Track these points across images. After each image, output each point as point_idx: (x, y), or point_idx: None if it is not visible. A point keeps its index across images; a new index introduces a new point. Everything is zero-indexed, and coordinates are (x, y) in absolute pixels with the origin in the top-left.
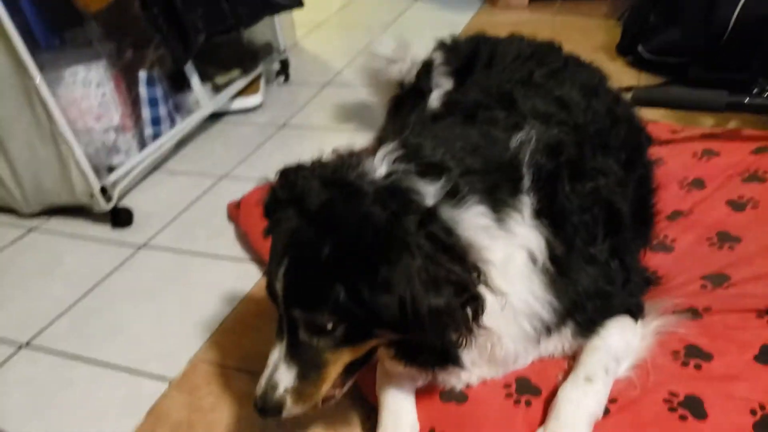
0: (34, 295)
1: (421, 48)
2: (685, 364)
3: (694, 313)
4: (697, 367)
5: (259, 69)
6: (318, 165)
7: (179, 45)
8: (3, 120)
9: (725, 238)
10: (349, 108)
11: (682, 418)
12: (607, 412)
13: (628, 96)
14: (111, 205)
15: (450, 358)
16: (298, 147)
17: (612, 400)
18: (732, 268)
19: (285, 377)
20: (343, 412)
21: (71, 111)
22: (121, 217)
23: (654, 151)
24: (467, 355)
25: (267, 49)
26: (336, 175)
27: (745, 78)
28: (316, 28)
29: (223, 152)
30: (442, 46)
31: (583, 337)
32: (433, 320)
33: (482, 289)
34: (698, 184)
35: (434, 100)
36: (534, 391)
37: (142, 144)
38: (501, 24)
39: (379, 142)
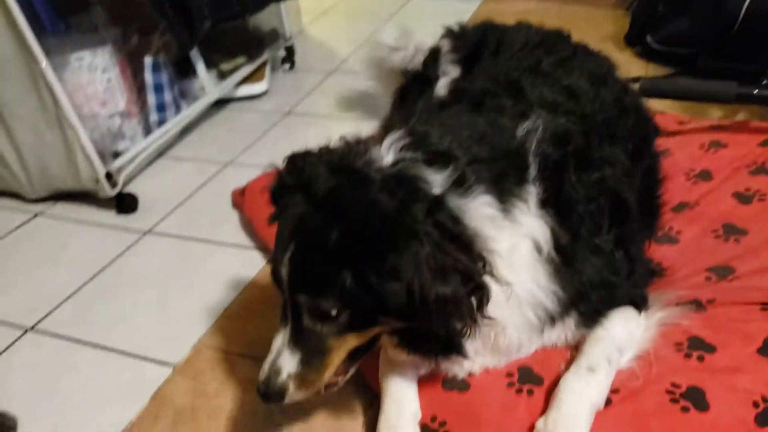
0: (39, 280)
1: (425, 36)
2: (688, 355)
3: (698, 305)
4: (700, 358)
5: (265, 56)
6: (325, 152)
7: (185, 31)
8: (9, 104)
9: (731, 231)
10: (355, 96)
11: (684, 409)
12: (608, 402)
13: (635, 86)
14: (116, 190)
15: (453, 347)
16: (303, 134)
17: (614, 391)
18: (737, 260)
19: (288, 363)
20: (345, 399)
21: (77, 96)
22: (126, 203)
23: (661, 142)
24: (470, 344)
25: (273, 36)
26: (343, 162)
27: (754, 69)
28: (322, 15)
29: (228, 139)
30: (449, 33)
31: (587, 327)
32: (440, 308)
33: (488, 279)
34: (705, 175)
35: (441, 87)
36: (536, 381)
37: (148, 130)
38: (508, 12)
39: (385, 130)
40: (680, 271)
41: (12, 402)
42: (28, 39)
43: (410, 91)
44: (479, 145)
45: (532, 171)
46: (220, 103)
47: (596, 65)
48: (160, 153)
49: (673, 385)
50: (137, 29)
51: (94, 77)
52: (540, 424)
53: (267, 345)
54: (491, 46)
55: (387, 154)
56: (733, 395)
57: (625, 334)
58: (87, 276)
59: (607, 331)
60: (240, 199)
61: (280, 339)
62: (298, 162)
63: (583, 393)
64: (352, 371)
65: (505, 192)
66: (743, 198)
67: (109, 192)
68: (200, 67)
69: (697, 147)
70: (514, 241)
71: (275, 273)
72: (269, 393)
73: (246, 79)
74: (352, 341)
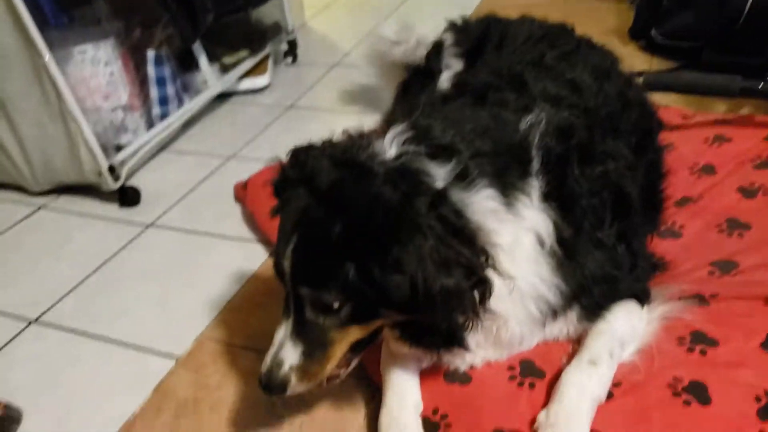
0: (42, 273)
1: (427, 29)
2: (690, 350)
3: (701, 299)
4: (703, 353)
5: (267, 49)
6: (328, 145)
7: (188, 24)
8: (12, 98)
9: (735, 225)
10: (357, 89)
11: (686, 403)
12: (610, 395)
13: (639, 80)
14: (119, 184)
15: (455, 340)
16: (305, 128)
17: (616, 384)
18: (741, 255)
19: (290, 355)
20: (347, 391)
21: (80, 89)
22: (128, 197)
23: (665, 137)
24: (472, 337)
25: (275, 30)
26: (346, 156)
27: (759, 63)
28: (325, 8)
29: (230, 133)
30: (452, 27)
31: (589, 321)
32: (443, 301)
33: (490, 273)
34: (709, 170)
35: (444, 81)
36: (538, 374)
37: (150, 123)
38: (511, 6)
39: (388, 123)
40: (683, 266)
41: (16, 394)
42: (32, 32)
43: (413, 85)
44: (482, 139)
45: (535, 165)
46: (223, 97)
47: (600, 59)
48: (163, 146)
49: (675, 379)
50: (140, 22)
51: (96, 70)
52: (541, 417)
53: (269, 338)
54: (494, 40)
55: (390, 148)
56: (735, 389)
57: (627, 328)
58: (90, 269)
59: (609, 325)
60: (242, 192)
61: (283, 331)
62: (300, 155)
63: (584, 386)
64: (354, 364)
65: (507, 186)
66: (748, 192)
67: (112, 185)
68: (203, 60)
69: (701, 141)
70: (517, 235)
71: (278, 265)
72: (271, 385)
73: (248, 73)
74: (354, 334)
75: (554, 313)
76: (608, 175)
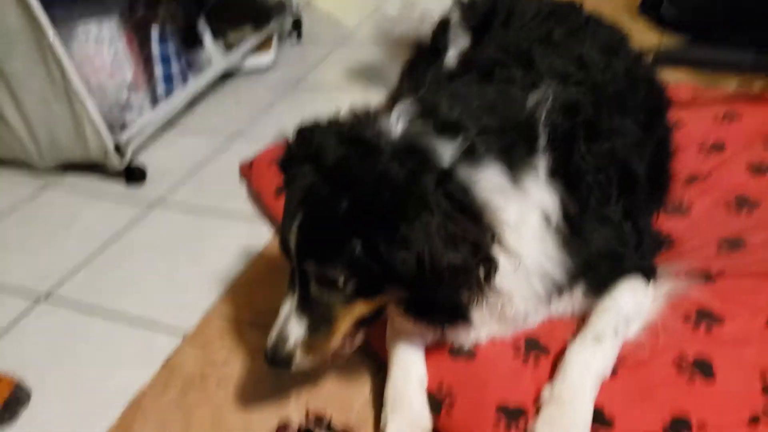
0: (51, 250)
1: (432, 4)
2: (696, 327)
3: (707, 276)
4: (708, 330)
5: (272, 27)
6: (334, 123)
7: (192, 1)
8: (18, 76)
9: (743, 203)
10: (362, 67)
11: (691, 380)
12: (615, 372)
13: (649, 56)
14: (125, 162)
15: (460, 316)
16: (310, 106)
17: (620, 361)
18: (748, 232)
19: (295, 330)
20: (353, 367)
21: (84, 68)
22: (134, 175)
23: (674, 113)
24: (477, 314)
25: (280, 7)
26: (352, 133)
27: None
28: None
29: (235, 111)
30: (459, 3)
31: (594, 298)
32: (450, 277)
33: (496, 250)
34: (718, 147)
35: (451, 58)
36: (542, 350)
37: (155, 101)
38: None
39: (394, 101)
40: (690, 243)
41: (26, 368)
42: (36, 10)
43: (419, 62)
44: (489, 116)
45: (542, 141)
46: (227, 75)
47: (608, 36)
48: (168, 125)
49: (681, 356)
50: None
51: (101, 49)
52: (546, 392)
53: (275, 314)
54: (501, 17)
55: (396, 125)
56: (740, 367)
57: (632, 305)
58: (97, 246)
59: (614, 302)
60: (248, 171)
61: (288, 307)
62: (306, 133)
63: (589, 363)
64: (359, 340)
65: (514, 162)
66: (757, 169)
67: (118, 164)
68: (207, 37)
69: (711, 118)
70: (523, 212)
71: (283, 241)
72: (276, 359)
73: (253, 51)
74: (358, 309)
75: (559, 290)
76: (615, 152)
